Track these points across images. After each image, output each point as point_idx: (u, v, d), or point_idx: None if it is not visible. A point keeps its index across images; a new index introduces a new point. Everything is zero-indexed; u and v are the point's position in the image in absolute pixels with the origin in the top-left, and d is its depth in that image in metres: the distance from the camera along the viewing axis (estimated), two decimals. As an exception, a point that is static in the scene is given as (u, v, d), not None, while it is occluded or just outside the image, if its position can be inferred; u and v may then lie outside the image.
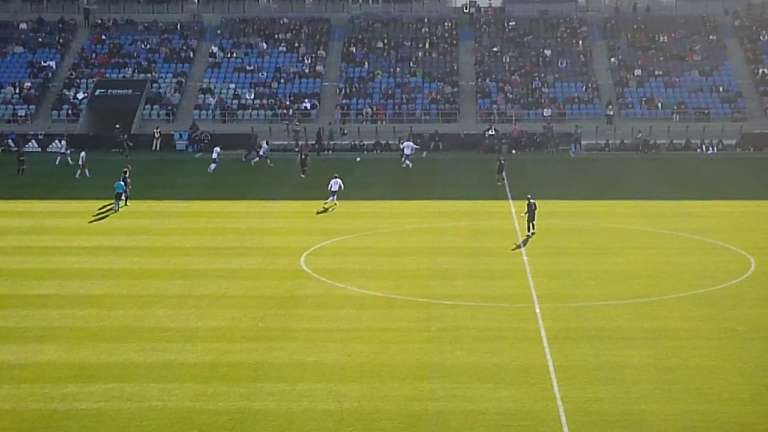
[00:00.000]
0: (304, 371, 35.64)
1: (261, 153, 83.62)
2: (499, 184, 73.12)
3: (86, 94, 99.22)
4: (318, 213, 63.96)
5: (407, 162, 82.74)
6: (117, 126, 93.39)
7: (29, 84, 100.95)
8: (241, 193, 71.30)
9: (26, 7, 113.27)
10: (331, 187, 66.25)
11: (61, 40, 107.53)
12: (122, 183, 65.15)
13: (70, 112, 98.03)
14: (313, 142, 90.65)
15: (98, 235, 57.95)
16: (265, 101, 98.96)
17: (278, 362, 36.59)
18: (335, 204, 65.44)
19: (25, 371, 35.75)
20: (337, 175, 67.27)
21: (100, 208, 64.69)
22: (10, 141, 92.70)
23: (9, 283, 47.36)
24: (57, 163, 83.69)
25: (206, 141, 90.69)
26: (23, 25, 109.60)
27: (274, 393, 33.73)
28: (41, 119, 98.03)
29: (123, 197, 65.01)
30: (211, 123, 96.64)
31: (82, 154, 78.64)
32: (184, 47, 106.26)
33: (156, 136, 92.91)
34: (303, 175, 76.92)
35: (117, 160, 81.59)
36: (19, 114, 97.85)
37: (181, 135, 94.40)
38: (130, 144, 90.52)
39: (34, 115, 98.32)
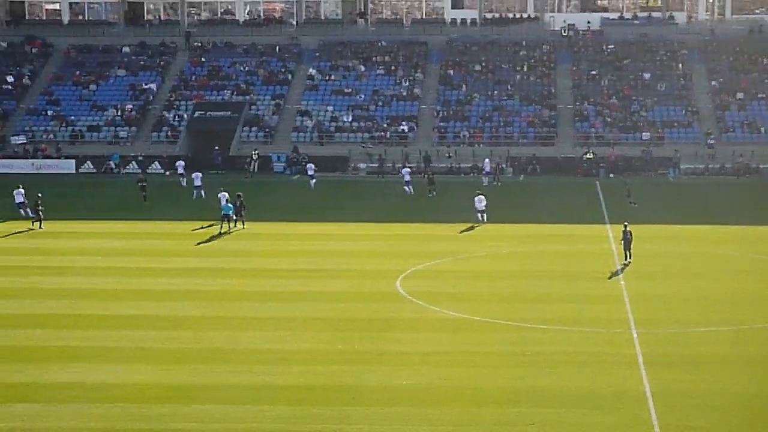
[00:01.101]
0: (398, 395, 35.47)
1: (311, 173, 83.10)
2: (636, 206, 72.03)
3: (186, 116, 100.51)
4: (461, 232, 64.37)
5: (408, 188, 79.99)
6: (216, 148, 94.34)
7: (131, 106, 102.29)
8: (336, 215, 71.38)
9: (129, 31, 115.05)
10: (476, 205, 66.40)
11: (162, 63, 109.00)
12: (230, 205, 65.49)
13: (169, 133, 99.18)
14: (418, 165, 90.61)
15: (193, 256, 58.44)
16: (362, 124, 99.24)
17: (372, 385, 36.46)
18: (483, 222, 66.15)
19: (122, 391, 35.93)
20: (479, 191, 67.11)
21: (193, 230, 65.34)
22: (111, 163, 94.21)
23: (107, 304, 47.76)
24: (183, 184, 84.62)
25: (303, 163, 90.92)
26: (126, 49, 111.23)
27: (368, 416, 33.57)
28: (141, 141, 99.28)
29: (235, 220, 65.27)
30: (309, 145, 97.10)
31: (198, 174, 79.43)
32: (282, 69, 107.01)
33: (254, 158, 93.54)
34: (434, 193, 78.06)
35: (215, 181, 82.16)
36: (120, 136, 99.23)
37: (279, 157, 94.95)
38: (252, 170, 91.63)
39: (135, 137, 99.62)
